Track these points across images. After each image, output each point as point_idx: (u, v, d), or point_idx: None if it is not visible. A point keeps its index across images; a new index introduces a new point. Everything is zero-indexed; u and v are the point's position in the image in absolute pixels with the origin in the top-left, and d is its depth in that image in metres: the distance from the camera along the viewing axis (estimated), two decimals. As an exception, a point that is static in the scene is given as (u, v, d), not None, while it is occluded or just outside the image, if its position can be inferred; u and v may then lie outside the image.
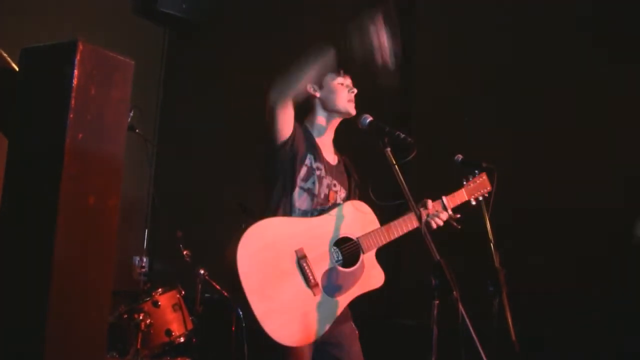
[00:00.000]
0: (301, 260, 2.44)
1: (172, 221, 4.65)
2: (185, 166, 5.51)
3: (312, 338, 2.41)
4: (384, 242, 2.64)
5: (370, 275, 2.61)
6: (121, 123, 1.89)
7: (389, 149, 2.42)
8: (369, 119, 2.56)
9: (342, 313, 2.54)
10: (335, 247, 2.57)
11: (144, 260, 4.31)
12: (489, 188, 2.78)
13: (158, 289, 3.97)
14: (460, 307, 2.13)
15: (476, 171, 2.78)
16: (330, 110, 2.73)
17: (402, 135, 2.44)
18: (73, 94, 1.69)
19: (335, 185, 2.72)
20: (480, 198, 2.75)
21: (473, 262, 2.56)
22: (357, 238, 2.60)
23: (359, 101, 2.73)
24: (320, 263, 2.50)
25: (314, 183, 2.63)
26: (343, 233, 2.59)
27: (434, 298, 2.18)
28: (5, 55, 2.04)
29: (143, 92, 5.49)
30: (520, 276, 2.58)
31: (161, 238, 4.93)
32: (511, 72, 3.99)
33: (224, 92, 5.43)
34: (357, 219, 2.64)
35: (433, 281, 2.17)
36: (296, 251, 2.45)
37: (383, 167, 2.41)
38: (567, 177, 3.66)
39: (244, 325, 2.30)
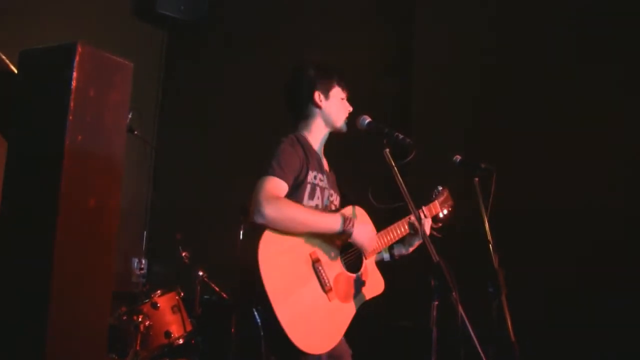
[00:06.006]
0: (315, 263, 2.35)
1: (171, 223, 4.65)
2: (184, 168, 5.50)
3: (331, 346, 2.31)
4: (381, 249, 2.62)
5: (373, 281, 2.57)
6: (120, 125, 1.89)
7: (387, 150, 2.39)
8: (368, 119, 2.52)
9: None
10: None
11: (143, 262, 4.31)
12: (451, 202, 2.94)
13: (157, 290, 3.96)
14: (460, 308, 2.13)
15: (439, 187, 2.92)
16: (328, 124, 2.64)
17: (401, 136, 2.41)
18: (72, 96, 1.69)
19: (332, 195, 2.65)
20: (445, 212, 2.89)
21: (472, 263, 2.56)
22: None
23: (358, 102, 2.72)
24: (332, 267, 2.42)
25: (318, 198, 2.53)
26: None
27: (434, 299, 2.19)
28: (4, 57, 2.04)
29: (142, 94, 5.49)
30: (519, 276, 2.57)
31: (160, 240, 4.93)
32: (511, 72, 4.00)
33: (222, 93, 5.43)
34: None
35: (432, 282, 2.17)
36: (310, 254, 2.36)
37: (382, 169, 2.40)
38: (567, 178, 3.66)
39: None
